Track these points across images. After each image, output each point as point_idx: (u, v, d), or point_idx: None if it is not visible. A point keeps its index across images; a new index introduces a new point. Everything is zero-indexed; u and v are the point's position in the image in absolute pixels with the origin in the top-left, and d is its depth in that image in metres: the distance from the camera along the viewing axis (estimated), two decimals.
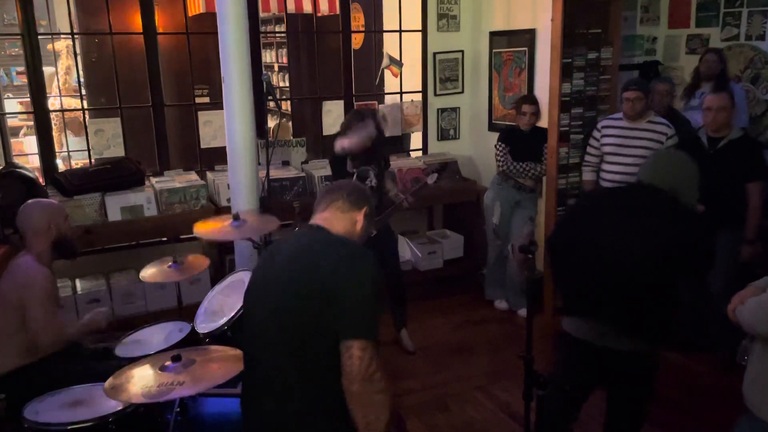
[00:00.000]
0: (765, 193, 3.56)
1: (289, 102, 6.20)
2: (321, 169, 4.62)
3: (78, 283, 4.17)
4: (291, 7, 5.25)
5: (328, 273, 1.72)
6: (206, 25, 4.59)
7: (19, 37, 4.19)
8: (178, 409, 2.38)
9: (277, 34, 7.22)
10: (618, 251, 2.35)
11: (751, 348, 2.21)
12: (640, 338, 2.43)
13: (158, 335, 2.99)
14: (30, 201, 2.92)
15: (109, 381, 2.24)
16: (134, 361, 2.57)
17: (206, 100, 4.88)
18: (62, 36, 5.98)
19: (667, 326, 2.44)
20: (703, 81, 4.62)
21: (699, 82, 4.66)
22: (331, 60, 5.20)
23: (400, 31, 5.19)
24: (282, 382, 1.79)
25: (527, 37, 4.70)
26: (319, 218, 1.96)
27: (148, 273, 3.16)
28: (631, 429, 2.68)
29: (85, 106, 4.57)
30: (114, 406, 2.30)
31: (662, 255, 2.29)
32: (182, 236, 4.28)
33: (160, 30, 4.58)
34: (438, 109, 5.33)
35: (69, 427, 2.22)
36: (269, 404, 1.83)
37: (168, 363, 2.26)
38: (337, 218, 1.94)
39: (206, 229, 3.23)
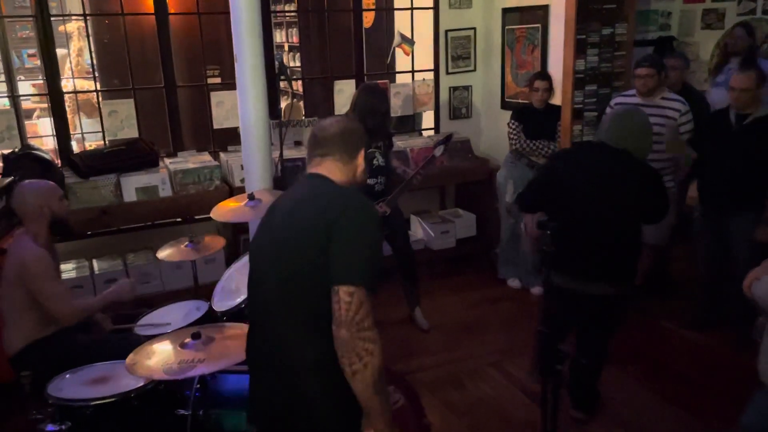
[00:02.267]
0: None
1: (300, 82, 6.19)
2: None
3: (95, 263, 4.22)
4: None
5: (332, 220, 1.67)
6: (217, 4, 4.57)
7: (30, 19, 4.20)
8: (198, 386, 2.42)
9: (288, 14, 7.18)
10: (601, 207, 2.82)
11: (767, 324, 2.21)
12: (617, 281, 2.89)
13: (177, 313, 3.04)
14: (24, 182, 2.91)
15: (131, 357, 2.29)
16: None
17: (218, 80, 4.87)
18: (74, 17, 5.97)
19: (634, 268, 2.97)
20: (731, 56, 4.54)
21: (728, 57, 4.58)
22: (342, 39, 5.16)
23: (412, 8, 5.14)
24: (290, 349, 1.73)
25: (540, 13, 4.64)
26: (318, 168, 1.88)
27: (165, 252, 3.20)
28: (595, 364, 3.13)
29: (98, 87, 4.58)
30: (136, 382, 2.34)
31: (633, 206, 2.84)
32: (197, 216, 4.31)
33: (172, 10, 4.56)
34: (450, 88, 5.30)
35: (92, 403, 2.26)
36: (277, 377, 1.78)
37: (188, 340, 2.30)
38: (337, 169, 1.87)
39: (223, 211, 3.25)
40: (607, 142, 2.91)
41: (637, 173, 2.85)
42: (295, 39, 7.06)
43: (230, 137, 4.52)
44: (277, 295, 1.76)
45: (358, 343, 1.61)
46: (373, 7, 5.62)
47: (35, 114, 7.00)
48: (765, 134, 3.40)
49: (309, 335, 1.71)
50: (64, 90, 4.45)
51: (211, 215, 3.23)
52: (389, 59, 5.42)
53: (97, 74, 4.61)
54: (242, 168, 3.96)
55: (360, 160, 1.90)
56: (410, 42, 5.18)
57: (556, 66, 4.40)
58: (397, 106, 5.09)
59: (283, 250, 1.76)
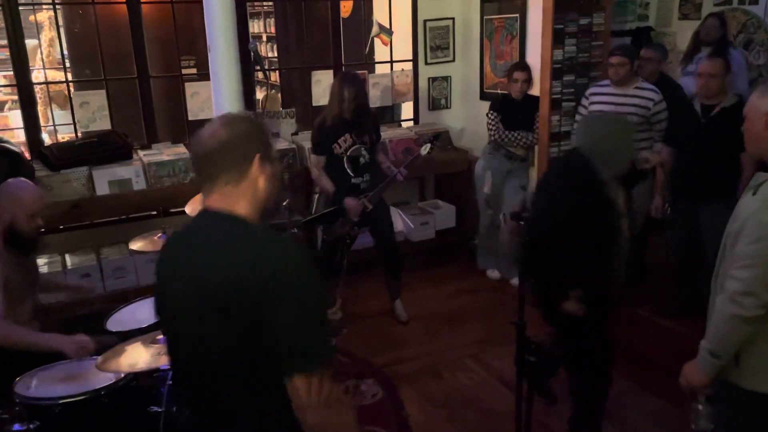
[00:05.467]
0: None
1: (277, 72, 6.13)
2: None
3: (68, 258, 4.15)
4: None
5: (264, 286, 1.36)
6: None
7: None
8: (171, 382, 2.38)
9: (265, 3, 7.09)
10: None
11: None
12: None
13: (149, 309, 2.98)
14: (10, 180, 2.78)
15: (101, 358, 2.25)
16: (125, 334, 2.59)
17: (193, 71, 4.80)
18: (44, 6, 5.84)
19: None
20: (702, 46, 4.56)
21: (699, 46, 4.60)
22: (320, 29, 5.11)
23: None
24: (219, 408, 1.53)
25: (518, 3, 4.62)
26: (212, 200, 1.51)
27: (138, 244, 3.14)
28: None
29: (70, 78, 4.48)
30: (107, 379, 2.30)
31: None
32: (172, 210, 4.25)
33: None
34: (429, 78, 5.27)
35: (61, 401, 2.21)
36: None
37: (159, 336, 2.26)
38: (234, 195, 1.48)
39: (197, 204, 3.18)
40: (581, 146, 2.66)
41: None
42: (273, 29, 6.98)
43: None
44: (205, 366, 1.51)
45: (331, 420, 1.45)
46: None
47: (7, 106, 6.86)
48: (732, 124, 3.40)
49: (252, 401, 1.51)
50: (36, 81, 4.36)
51: (186, 209, 3.18)
52: (367, 49, 5.38)
53: (68, 65, 4.52)
54: None
55: (257, 169, 1.48)
56: (388, 32, 5.14)
57: (534, 56, 4.39)
58: (376, 97, 5.05)
59: (202, 323, 1.46)
